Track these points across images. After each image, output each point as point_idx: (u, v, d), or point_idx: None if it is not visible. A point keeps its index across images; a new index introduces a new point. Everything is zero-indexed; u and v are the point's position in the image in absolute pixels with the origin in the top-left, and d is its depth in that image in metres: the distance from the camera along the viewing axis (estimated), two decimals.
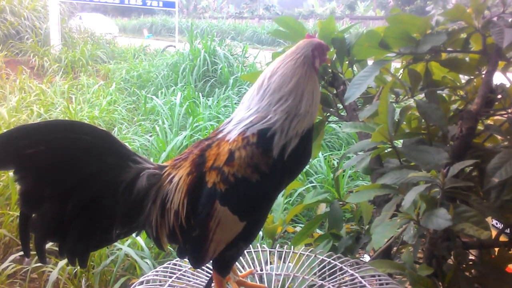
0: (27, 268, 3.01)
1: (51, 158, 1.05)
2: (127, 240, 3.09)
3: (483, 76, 1.53)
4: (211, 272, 1.26)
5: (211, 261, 1.18)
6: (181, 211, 1.10)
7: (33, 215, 1.07)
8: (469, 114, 1.44)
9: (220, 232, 1.08)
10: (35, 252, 2.98)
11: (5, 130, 1.06)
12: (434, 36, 1.47)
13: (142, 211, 1.12)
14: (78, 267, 1.19)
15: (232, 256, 1.16)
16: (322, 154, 4.70)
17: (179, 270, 1.36)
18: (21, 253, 3.19)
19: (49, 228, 1.07)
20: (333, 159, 4.86)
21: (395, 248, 1.79)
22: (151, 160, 4.02)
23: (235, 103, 6.34)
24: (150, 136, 5.28)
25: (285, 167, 1.08)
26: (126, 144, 1.17)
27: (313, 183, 4.26)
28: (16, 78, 7.76)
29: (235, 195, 1.07)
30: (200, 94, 6.82)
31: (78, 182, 1.07)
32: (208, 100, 6.49)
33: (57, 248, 1.19)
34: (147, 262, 2.88)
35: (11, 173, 3.68)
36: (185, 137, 4.91)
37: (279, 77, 1.11)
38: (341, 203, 1.79)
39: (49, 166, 1.05)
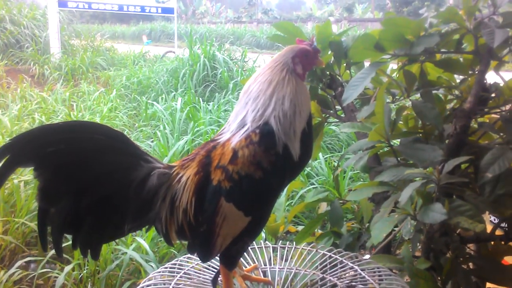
0: (33, 274, 3.05)
1: (69, 156, 1.12)
2: (131, 244, 3.13)
3: (476, 75, 1.58)
4: (218, 267, 1.31)
5: (218, 257, 1.23)
6: (190, 209, 1.16)
7: (51, 209, 1.13)
8: (463, 112, 1.49)
9: (226, 227, 1.14)
10: (40, 258, 3.00)
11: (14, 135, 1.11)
12: (427, 38, 1.52)
13: (152, 208, 1.18)
14: (90, 259, 1.25)
15: (238, 250, 1.21)
16: (323, 156, 4.74)
17: (187, 267, 1.41)
18: (27, 259, 3.23)
19: (65, 221, 1.13)
20: (334, 161, 4.90)
21: (394, 247, 1.83)
22: None
23: None
24: (152, 141, 5.31)
25: (287, 164, 1.14)
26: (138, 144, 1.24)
27: (314, 184, 4.30)
28: (17, 86, 7.82)
29: (239, 192, 1.12)
30: (201, 99, 6.86)
31: (94, 179, 1.14)
32: (209, 105, 6.53)
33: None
34: (152, 266, 2.91)
35: (15, 181, 3.73)
36: (186, 141, 4.95)
37: (258, 85, 1.18)
38: (341, 201, 1.84)
39: (68, 164, 1.12)
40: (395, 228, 1.72)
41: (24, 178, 3.87)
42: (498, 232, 1.63)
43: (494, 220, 2.02)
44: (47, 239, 1.16)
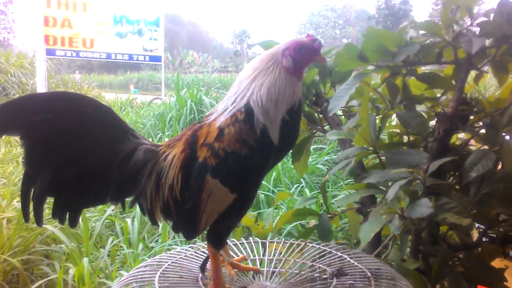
0: None
1: (56, 126, 1.12)
2: (116, 278, 3.07)
3: (457, 82, 1.62)
4: (206, 253, 1.31)
5: (206, 238, 1.24)
6: (176, 186, 1.17)
7: (36, 173, 1.13)
8: (445, 116, 1.53)
9: (212, 203, 1.15)
10: None
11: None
12: (408, 47, 1.58)
13: (137, 183, 1.19)
14: (68, 226, 1.23)
15: (225, 229, 1.22)
16: (311, 193, 4.74)
17: (175, 257, 1.41)
18: None
19: (49, 186, 1.13)
20: (322, 199, 4.89)
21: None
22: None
23: None
24: None
25: (272, 143, 1.16)
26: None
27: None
28: None
29: (225, 168, 1.14)
30: None
31: (80, 149, 1.15)
32: None
33: None
34: None
35: None
36: None
37: (246, 70, 1.22)
38: (329, 216, 1.84)
39: (54, 133, 1.13)
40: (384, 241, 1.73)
41: (7, 215, 3.81)
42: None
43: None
44: (29, 207, 1.15)
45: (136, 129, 7.81)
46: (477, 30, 1.58)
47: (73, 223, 1.20)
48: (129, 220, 3.82)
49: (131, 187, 1.20)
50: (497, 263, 1.56)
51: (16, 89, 11.16)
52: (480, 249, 1.57)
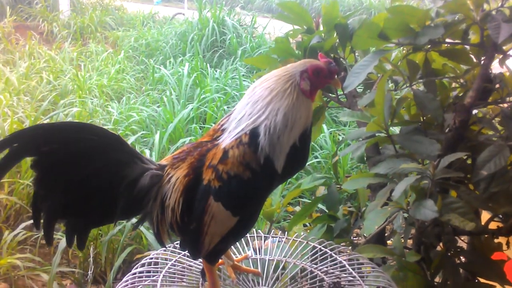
0: (38, 235, 3.12)
1: (63, 155, 1.15)
2: None
3: (480, 68, 1.55)
4: None
5: None
6: (176, 209, 1.18)
7: (46, 194, 1.16)
8: (463, 107, 1.48)
9: (214, 226, 1.16)
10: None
11: (26, 127, 1.13)
12: (432, 29, 1.50)
13: (143, 206, 1.21)
14: (76, 247, 1.29)
15: (221, 248, 1.24)
16: (328, 129, 4.73)
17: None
18: (32, 220, 3.30)
19: (58, 207, 1.16)
20: (338, 134, 4.90)
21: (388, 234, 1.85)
22: (158, 132, 3.99)
23: (243, 75, 6.34)
24: (158, 106, 5.30)
25: (275, 172, 1.15)
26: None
27: (317, 158, 4.31)
28: (26, 43, 7.75)
29: (228, 191, 1.14)
30: (208, 64, 6.81)
31: (86, 175, 1.17)
32: (216, 72, 6.48)
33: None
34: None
35: None
36: (192, 109, 4.94)
37: (261, 90, 1.17)
38: (338, 186, 1.85)
39: (61, 161, 1.15)
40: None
41: None
42: (494, 224, 1.64)
43: None
44: (40, 221, 1.18)
45: (157, 47, 7.75)
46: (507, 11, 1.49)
47: (81, 245, 1.23)
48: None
49: (137, 210, 1.22)
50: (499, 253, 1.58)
51: None
52: (483, 240, 1.58)
